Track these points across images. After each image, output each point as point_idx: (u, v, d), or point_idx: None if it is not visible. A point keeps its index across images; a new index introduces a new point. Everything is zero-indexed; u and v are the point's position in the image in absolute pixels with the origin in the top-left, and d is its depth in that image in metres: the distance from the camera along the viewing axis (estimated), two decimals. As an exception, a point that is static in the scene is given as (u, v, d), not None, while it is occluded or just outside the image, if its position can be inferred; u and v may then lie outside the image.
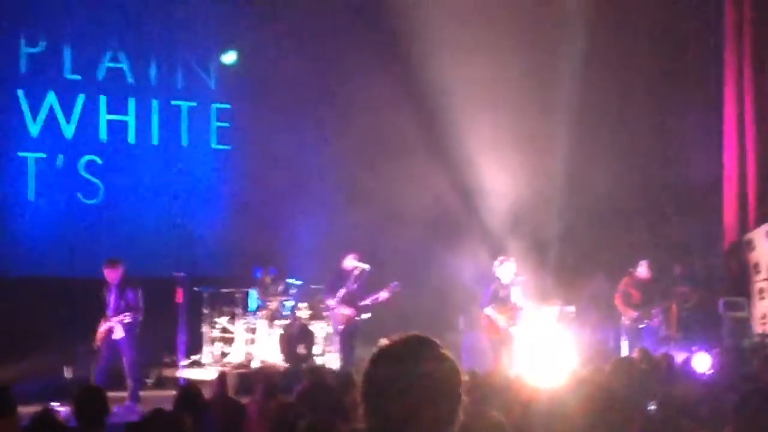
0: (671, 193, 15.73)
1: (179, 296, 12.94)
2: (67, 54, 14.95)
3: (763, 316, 13.76)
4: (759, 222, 14.43)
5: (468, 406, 3.09)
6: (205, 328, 14.01)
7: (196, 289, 13.81)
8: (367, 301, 13.20)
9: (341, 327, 13.19)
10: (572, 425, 4.47)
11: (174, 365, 13.45)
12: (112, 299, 11.44)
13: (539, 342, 12.84)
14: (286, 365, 13.52)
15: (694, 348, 12.21)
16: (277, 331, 13.77)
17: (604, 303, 14.28)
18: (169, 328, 13.13)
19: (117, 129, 15.25)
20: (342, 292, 13.03)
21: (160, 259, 14.54)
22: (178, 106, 15.75)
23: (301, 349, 13.61)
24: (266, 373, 12.83)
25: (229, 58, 15.68)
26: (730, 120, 14.98)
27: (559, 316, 13.51)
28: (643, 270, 13.79)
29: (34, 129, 14.66)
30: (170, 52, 15.56)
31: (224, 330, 14.11)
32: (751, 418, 4.66)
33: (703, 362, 10.91)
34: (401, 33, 14.61)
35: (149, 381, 13.46)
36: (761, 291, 13.99)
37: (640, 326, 13.57)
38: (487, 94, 14.32)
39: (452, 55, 14.54)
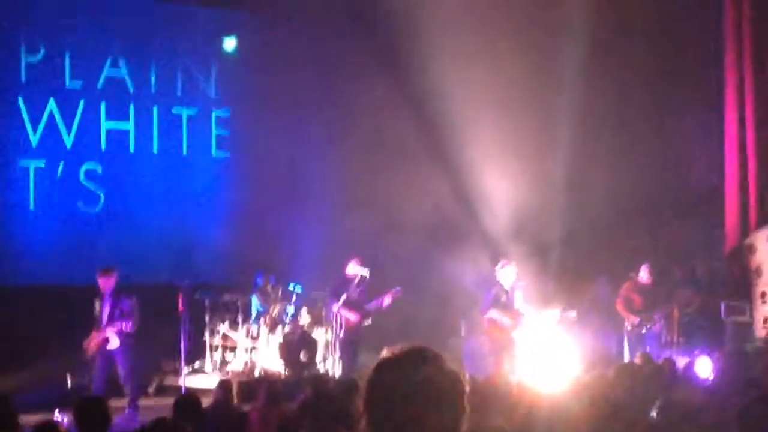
0: (672, 197, 15.73)
1: (180, 304, 12.92)
2: (67, 62, 14.95)
3: (765, 320, 13.75)
4: (760, 225, 14.42)
5: (470, 414, 3.09)
6: (206, 336, 14.00)
7: (197, 296, 13.80)
8: (372, 307, 13.17)
9: (344, 333, 13.14)
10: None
11: (176, 373, 13.43)
12: (106, 308, 11.39)
13: (541, 347, 12.83)
14: (288, 372, 13.52)
15: (696, 353, 12.19)
16: (279, 338, 13.76)
17: (605, 308, 14.27)
18: (171, 336, 13.10)
19: (117, 137, 15.25)
20: (344, 297, 13.00)
21: (161, 266, 14.56)
22: (178, 114, 15.75)
23: (302, 356, 13.60)
24: (268, 380, 12.83)
25: (230, 44, 15.65)
26: (730, 123, 14.97)
27: (560, 320, 13.49)
28: (644, 275, 13.78)
29: (34, 137, 14.65)
30: (170, 59, 15.55)
31: (225, 337, 14.10)
32: (754, 426, 4.65)
33: (705, 367, 10.89)
34: (401, 39, 14.61)
35: (151, 389, 13.46)
36: (763, 295, 13.98)
37: (642, 331, 13.57)
38: (488, 100, 14.32)
39: (452, 60, 14.56)
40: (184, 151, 15.76)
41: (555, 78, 15.07)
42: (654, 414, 6.47)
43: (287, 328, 13.87)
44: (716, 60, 15.19)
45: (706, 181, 15.47)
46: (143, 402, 11.99)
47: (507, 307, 12.84)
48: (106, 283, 11.40)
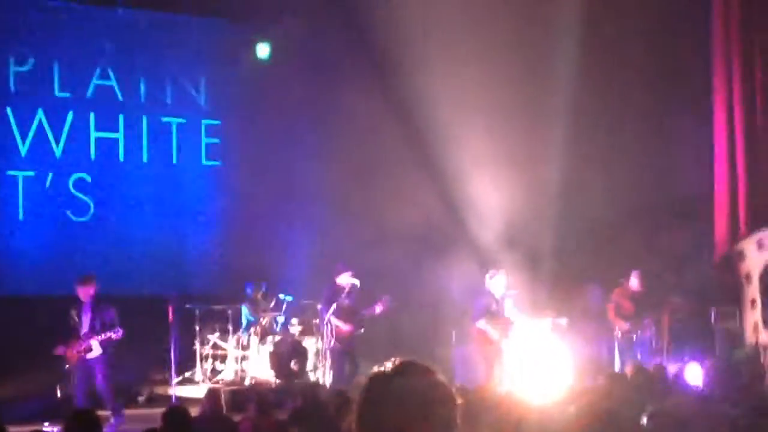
0: (663, 205, 15.75)
1: (170, 313, 12.88)
2: (56, 72, 14.94)
3: (755, 326, 13.77)
4: (750, 232, 14.45)
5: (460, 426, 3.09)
6: (196, 345, 13.98)
7: (187, 306, 13.78)
8: (364, 316, 13.13)
9: (335, 342, 13.10)
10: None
11: (166, 383, 13.39)
12: (86, 317, 11.26)
13: (532, 355, 12.83)
14: (279, 382, 13.50)
15: (686, 359, 12.22)
16: (269, 348, 13.74)
17: (596, 315, 14.27)
18: (161, 345, 13.07)
19: (106, 146, 15.23)
20: (334, 306, 12.97)
21: (151, 276, 14.53)
22: (168, 123, 15.73)
23: (293, 366, 13.58)
24: (259, 390, 12.82)
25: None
26: (720, 131, 15.01)
27: (551, 328, 13.49)
28: (634, 281, 13.81)
29: (23, 147, 14.63)
30: (159, 68, 15.55)
31: (216, 347, 14.09)
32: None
33: (695, 374, 10.90)
34: (392, 47, 14.60)
35: (141, 398, 13.43)
36: (753, 301, 14.00)
37: (633, 338, 13.58)
38: (479, 107, 14.33)
39: (443, 68, 14.57)
40: (174, 160, 15.74)
41: (546, 86, 15.08)
42: (645, 422, 6.47)
43: (278, 338, 13.86)
44: (706, 67, 15.23)
45: (696, 189, 15.50)
46: (133, 411, 11.95)
47: (497, 316, 12.83)
48: (85, 292, 11.26)
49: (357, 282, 13.01)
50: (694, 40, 15.45)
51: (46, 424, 10.56)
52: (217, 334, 14.03)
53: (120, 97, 15.36)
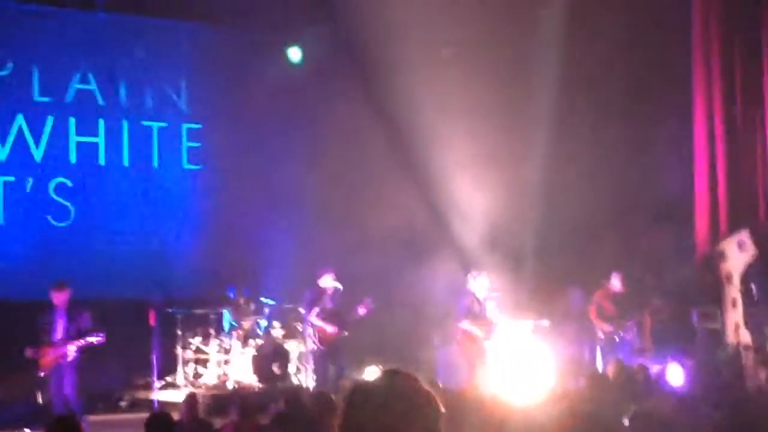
0: (644, 206, 15.80)
1: (152, 318, 12.84)
2: (35, 76, 14.87)
3: (736, 327, 13.81)
4: (730, 232, 14.51)
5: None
6: (178, 350, 13.94)
7: (169, 310, 13.73)
8: (347, 319, 13.10)
9: (318, 345, 13.07)
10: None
11: (148, 387, 13.35)
12: (61, 323, 11.15)
13: (514, 356, 12.85)
14: (261, 385, 13.48)
15: (668, 360, 12.26)
16: (252, 351, 13.72)
17: (578, 316, 14.31)
18: (143, 350, 13.02)
19: (87, 151, 15.17)
20: (317, 309, 12.94)
21: (133, 280, 14.47)
22: (149, 127, 15.69)
23: (275, 369, 13.56)
24: (241, 393, 12.80)
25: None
26: (700, 132, 15.07)
27: (533, 329, 13.52)
28: (616, 283, 13.85)
29: (2, 152, 14.57)
30: (140, 72, 15.51)
31: (198, 351, 14.04)
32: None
33: (677, 374, 10.95)
34: (372, 50, 14.61)
35: (123, 403, 13.39)
36: (734, 301, 14.05)
37: (615, 339, 13.62)
38: (461, 110, 14.36)
39: (424, 70, 14.58)
40: (155, 164, 15.70)
41: (527, 88, 15.13)
42: (627, 422, 6.49)
43: (260, 341, 13.84)
44: (686, 69, 15.30)
45: (677, 190, 15.55)
46: (115, 417, 11.92)
47: (480, 317, 12.86)
48: (59, 298, 11.17)
49: (339, 285, 13.00)
50: (674, 42, 15.51)
51: (27, 430, 10.51)
52: (199, 338, 13.99)
53: (100, 102, 15.31)
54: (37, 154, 14.81)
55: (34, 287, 13.81)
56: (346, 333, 13.02)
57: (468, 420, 5.88)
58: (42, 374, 11.08)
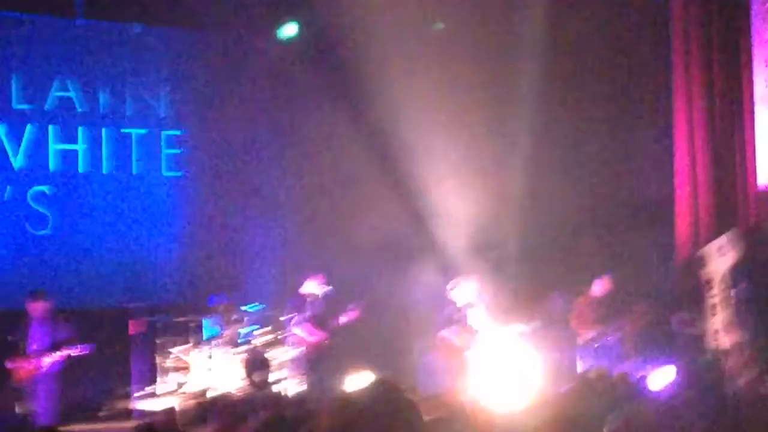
0: (624, 211, 15.83)
1: (132, 327, 12.78)
2: (14, 83, 14.81)
3: (716, 332, 13.83)
4: (711, 238, 14.54)
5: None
6: (159, 359, 13.87)
7: (149, 318, 13.67)
8: (332, 326, 13.04)
9: (302, 353, 13.01)
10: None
11: (128, 397, 13.28)
12: (36, 334, 11.03)
13: (497, 363, 12.83)
14: (244, 393, 13.41)
15: (650, 365, 12.26)
16: (234, 359, 13.66)
17: (560, 322, 14.32)
18: (123, 359, 12.98)
19: (66, 158, 15.12)
20: (302, 316, 12.90)
21: (113, 288, 14.44)
22: (128, 134, 15.64)
23: (258, 377, 13.49)
24: (223, 402, 12.72)
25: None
26: (680, 136, 15.10)
27: (516, 336, 13.51)
28: (597, 288, 13.86)
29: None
30: (119, 79, 15.46)
31: (179, 360, 13.97)
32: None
33: (659, 380, 10.94)
34: (355, 57, 14.60)
35: (102, 413, 13.31)
36: (713, 307, 14.07)
37: (597, 345, 13.63)
38: (443, 117, 14.38)
39: (406, 82, 14.58)
40: (135, 171, 15.64)
41: (508, 94, 15.16)
42: (609, 429, 6.47)
43: (243, 349, 13.78)
44: (666, 72, 15.34)
45: (657, 194, 15.59)
46: (94, 426, 11.84)
47: (461, 325, 12.84)
48: (34, 308, 11.05)
49: (324, 292, 12.95)
50: (653, 46, 15.56)
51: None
52: (181, 346, 13.93)
53: (79, 109, 15.26)
54: (16, 162, 14.73)
55: (13, 296, 13.76)
56: (330, 341, 12.98)
57: (450, 427, 5.86)
58: (17, 386, 10.98)
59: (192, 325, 13.94)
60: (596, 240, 15.44)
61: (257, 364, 13.60)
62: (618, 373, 10.07)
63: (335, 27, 14.49)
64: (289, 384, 13.56)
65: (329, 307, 13.13)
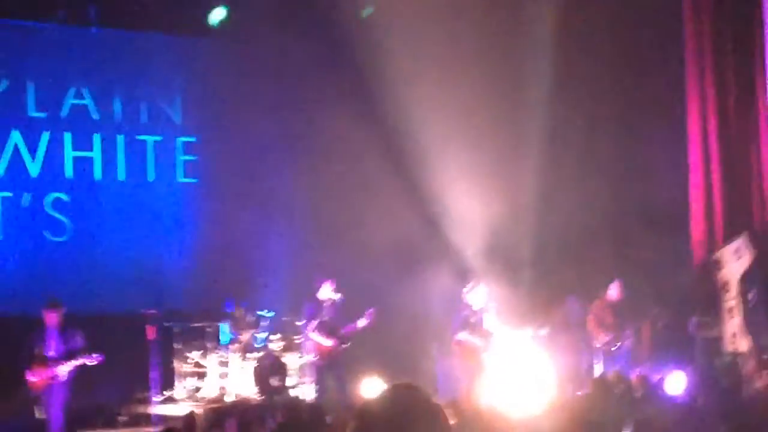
0: (640, 214, 15.79)
1: (150, 332, 12.83)
2: (30, 92, 14.89)
3: (734, 335, 13.81)
4: (726, 241, 14.51)
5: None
6: (177, 364, 13.92)
7: (166, 324, 13.72)
8: (347, 331, 13.03)
9: (316, 358, 13.02)
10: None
11: (146, 402, 13.33)
12: (52, 343, 11.08)
13: (513, 367, 12.82)
14: (260, 398, 13.45)
15: (667, 369, 12.24)
16: (250, 364, 13.71)
17: (576, 326, 14.30)
18: (141, 364, 13.01)
19: (83, 165, 15.19)
20: (315, 322, 12.89)
21: (130, 295, 14.44)
22: (144, 141, 15.70)
23: (274, 382, 13.54)
24: (240, 407, 12.76)
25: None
26: (694, 138, 15.09)
27: (532, 340, 13.50)
28: (614, 292, 13.84)
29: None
30: (134, 87, 15.53)
31: (196, 365, 14.03)
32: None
33: (676, 383, 10.93)
34: (369, 63, 14.62)
35: (121, 418, 13.35)
36: (731, 310, 14.04)
37: (613, 349, 13.60)
38: (456, 123, 14.39)
39: (420, 87, 14.59)
40: (150, 178, 15.70)
41: (522, 104, 15.15)
42: (627, 433, 6.49)
43: (258, 354, 13.82)
44: (679, 75, 15.33)
45: (672, 197, 15.56)
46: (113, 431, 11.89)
47: (477, 328, 12.83)
48: (51, 317, 11.10)
49: (338, 297, 12.95)
50: (666, 47, 15.54)
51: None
52: (198, 351, 13.98)
53: (95, 116, 15.33)
54: (33, 169, 14.82)
55: (31, 303, 13.83)
56: (345, 346, 12.97)
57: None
58: (32, 394, 11.04)
59: (209, 330, 14.00)
60: (611, 243, 15.42)
61: (273, 368, 13.67)
62: (636, 376, 10.09)
63: (350, 34, 14.51)
64: (304, 389, 13.58)
65: (344, 312, 13.14)
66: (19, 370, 11.06)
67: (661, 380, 10.81)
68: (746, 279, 13.73)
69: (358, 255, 14.58)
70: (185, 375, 13.98)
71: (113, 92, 15.46)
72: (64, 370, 10.88)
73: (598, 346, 13.75)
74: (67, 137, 15.12)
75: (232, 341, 13.93)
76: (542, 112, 15.03)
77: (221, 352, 13.90)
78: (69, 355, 10.89)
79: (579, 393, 12.09)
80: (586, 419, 6.34)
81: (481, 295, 12.93)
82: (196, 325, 14.09)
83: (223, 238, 15.42)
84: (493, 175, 14.69)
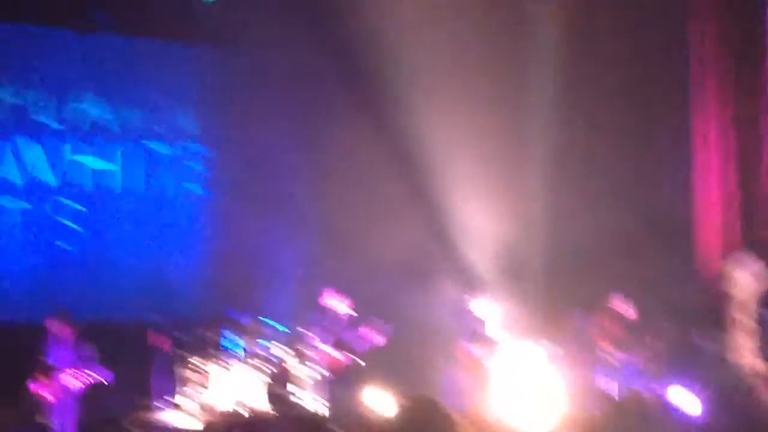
0: (648, 228, 15.78)
1: (159, 340, 12.87)
2: (51, 103, 14.97)
3: (742, 350, 13.79)
4: (734, 253, 14.49)
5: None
6: (185, 373, 13.92)
7: (175, 333, 13.74)
8: (355, 343, 13.06)
9: (326, 370, 13.05)
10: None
11: (150, 409, 13.34)
12: (61, 354, 11.13)
13: (521, 381, 12.81)
14: (269, 410, 13.45)
15: (676, 383, 12.21)
16: (258, 375, 13.71)
17: (584, 340, 14.27)
18: (147, 372, 13.05)
19: (99, 176, 15.29)
20: (324, 334, 12.93)
21: (137, 303, 14.52)
22: (159, 152, 15.79)
23: (283, 393, 13.53)
24: (247, 418, 12.76)
25: None
26: (701, 151, 15.09)
27: (540, 353, 13.48)
28: (621, 306, 13.83)
29: (18, 178, 14.65)
30: (146, 96, 15.60)
31: (205, 374, 14.02)
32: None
33: (685, 398, 10.88)
34: (381, 77, 14.67)
35: (126, 425, 13.34)
36: (739, 324, 14.02)
37: (621, 363, 13.58)
38: (465, 134, 14.40)
39: (431, 103, 14.64)
40: (165, 188, 15.78)
41: (530, 112, 15.17)
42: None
43: (266, 365, 13.82)
44: (684, 87, 15.33)
45: (679, 212, 15.55)
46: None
47: (483, 340, 12.83)
48: (63, 330, 11.16)
49: (348, 309, 12.98)
50: (672, 58, 15.54)
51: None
52: (206, 361, 13.98)
53: (111, 127, 15.40)
54: (52, 179, 14.90)
55: (45, 310, 13.86)
56: (354, 358, 12.99)
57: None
58: (40, 403, 11.08)
59: (215, 339, 14.00)
60: (621, 257, 15.40)
61: (281, 379, 13.66)
62: (646, 391, 10.07)
63: (361, 44, 14.54)
64: (313, 400, 13.57)
65: (352, 323, 13.15)
66: (28, 379, 11.09)
67: (672, 396, 10.77)
68: (755, 293, 13.73)
69: (367, 266, 14.59)
70: (193, 384, 13.97)
71: (125, 101, 15.55)
72: (72, 382, 10.93)
73: (606, 360, 13.73)
74: (84, 148, 15.19)
75: (240, 351, 13.93)
76: (552, 127, 15.06)
77: (230, 362, 13.90)
78: (78, 368, 10.95)
79: (589, 408, 12.09)
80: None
81: (490, 308, 12.93)
82: (205, 334, 14.09)
83: (231, 248, 15.47)
84: (502, 189, 14.70)
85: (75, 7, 14.67)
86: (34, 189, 14.68)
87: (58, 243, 14.81)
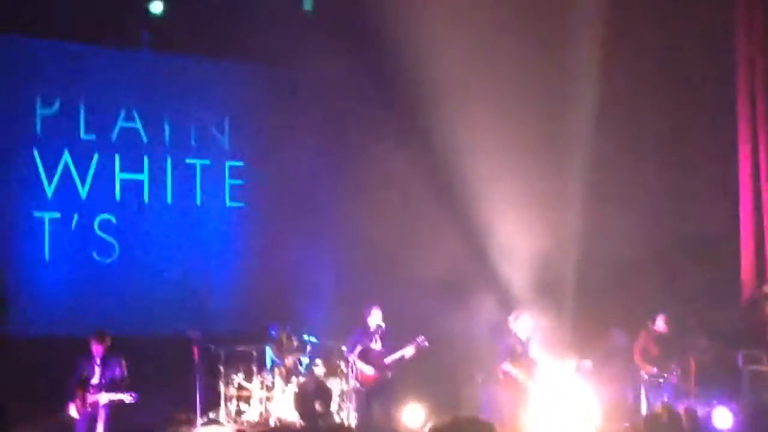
0: (687, 246, 15.69)
1: (195, 354, 12.92)
2: (81, 114, 15.07)
3: (782, 370, 13.65)
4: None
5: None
6: (221, 386, 13.96)
7: (211, 347, 13.77)
8: (391, 360, 13.02)
9: (359, 385, 13.04)
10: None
11: (190, 424, 13.38)
12: (96, 372, 11.22)
13: (558, 398, 12.75)
14: (303, 423, 13.46)
15: (713, 403, 12.11)
16: (294, 389, 13.72)
17: (621, 357, 14.19)
18: (185, 386, 13.08)
19: (131, 188, 15.34)
20: (359, 349, 12.91)
21: (175, 317, 14.55)
22: (192, 164, 15.84)
23: (317, 407, 13.53)
24: (283, 431, 12.79)
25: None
26: (745, 168, 14.99)
27: (576, 370, 13.42)
28: (660, 324, 13.74)
29: (49, 189, 14.75)
30: (183, 110, 15.68)
31: (240, 387, 14.05)
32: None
33: (724, 418, 10.81)
34: (421, 99, 14.71)
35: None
36: (780, 344, 13.89)
37: (659, 381, 13.48)
38: (503, 152, 14.39)
39: (470, 121, 14.63)
40: (198, 202, 15.83)
41: (567, 128, 15.13)
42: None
43: (302, 379, 13.84)
44: (729, 105, 15.24)
45: (721, 230, 15.43)
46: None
47: (522, 357, 12.78)
48: (98, 348, 11.25)
49: (383, 324, 12.96)
50: (716, 76, 15.45)
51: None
52: (242, 374, 14.01)
53: (145, 139, 15.49)
54: (83, 191, 14.98)
55: (78, 323, 13.98)
56: (389, 374, 12.97)
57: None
58: (72, 419, 11.17)
59: (254, 353, 14.03)
60: (658, 274, 15.31)
61: (317, 393, 13.67)
62: (684, 409, 9.97)
63: (398, 62, 14.58)
64: (349, 414, 13.57)
65: (390, 338, 13.14)
66: (64, 392, 11.18)
67: (709, 414, 10.70)
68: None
69: (405, 283, 14.58)
70: (229, 397, 14.01)
71: (163, 115, 15.62)
72: (102, 398, 11.05)
73: (643, 377, 13.64)
74: (117, 159, 15.27)
75: (275, 365, 13.95)
76: (589, 144, 15.00)
77: (265, 376, 13.93)
78: (108, 387, 11.05)
79: (625, 426, 12.02)
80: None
81: (527, 325, 12.89)
82: (240, 348, 14.12)
83: (269, 262, 15.49)
84: (539, 207, 14.66)
85: (116, 25, 14.81)
86: (67, 201, 14.75)
87: (93, 255, 14.87)
